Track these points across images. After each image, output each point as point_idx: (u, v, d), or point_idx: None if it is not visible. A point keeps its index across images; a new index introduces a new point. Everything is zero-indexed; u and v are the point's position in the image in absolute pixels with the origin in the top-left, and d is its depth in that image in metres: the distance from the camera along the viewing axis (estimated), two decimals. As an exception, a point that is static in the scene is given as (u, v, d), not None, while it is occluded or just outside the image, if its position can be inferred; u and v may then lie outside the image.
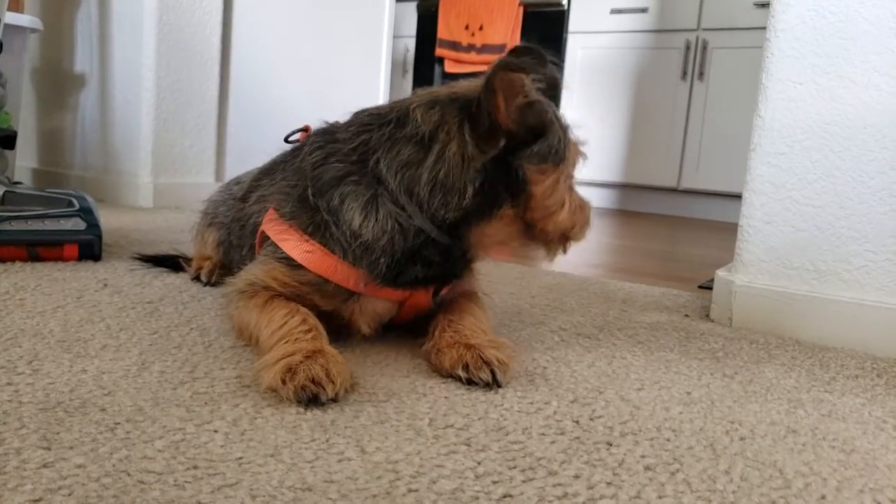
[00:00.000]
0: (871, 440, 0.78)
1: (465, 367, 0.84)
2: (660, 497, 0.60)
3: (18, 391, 0.72)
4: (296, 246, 0.89)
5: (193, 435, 0.65)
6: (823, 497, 0.63)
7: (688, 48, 3.90)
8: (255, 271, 0.92)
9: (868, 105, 1.15)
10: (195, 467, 0.59)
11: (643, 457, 0.68)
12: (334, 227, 0.88)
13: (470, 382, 0.84)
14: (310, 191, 0.90)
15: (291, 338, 0.80)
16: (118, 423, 0.66)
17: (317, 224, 0.89)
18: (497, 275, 1.60)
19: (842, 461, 0.71)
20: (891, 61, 1.14)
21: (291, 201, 0.92)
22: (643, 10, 4.04)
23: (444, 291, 0.97)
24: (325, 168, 0.90)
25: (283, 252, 0.90)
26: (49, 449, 0.60)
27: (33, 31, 2.30)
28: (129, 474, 0.57)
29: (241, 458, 0.61)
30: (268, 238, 0.93)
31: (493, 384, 0.83)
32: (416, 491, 0.58)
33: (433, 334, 0.91)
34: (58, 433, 0.63)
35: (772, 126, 1.24)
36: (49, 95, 2.72)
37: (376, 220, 0.87)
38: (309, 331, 0.82)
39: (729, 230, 3.03)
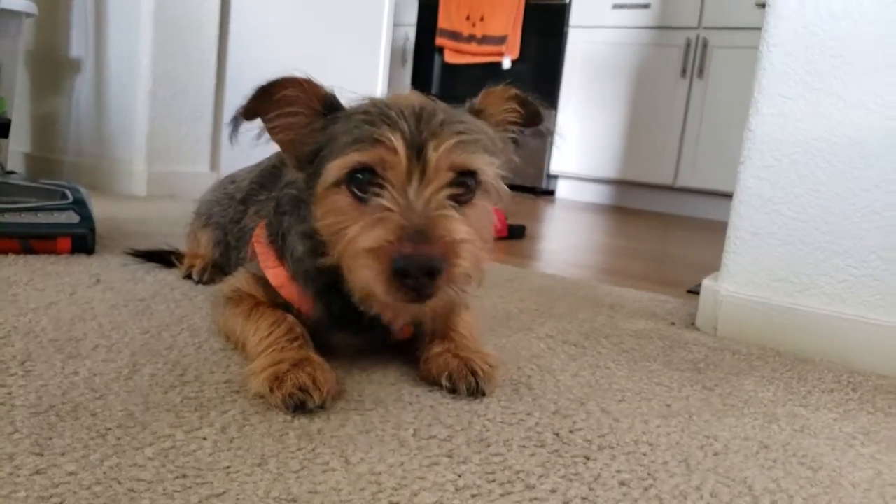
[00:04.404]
0: (839, 457, 0.80)
1: (449, 377, 0.86)
2: (632, 514, 0.63)
3: (11, 393, 0.73)
4: (270, 270, 0.91)
5: (183, 442, 0.67)
6: (789, 516, 0.65)
7: (688, 46, 3.91)
8: (241, 281, 0.95)
9: (855, 123, 1.17)
10: (184, 476, 0.61)
11: (619, 472, 0.70)
12: (285, 252, 0.89)
13: (454, 391, 0.86)
14: (272, 212, 0.92)
15: (278, 346, 0.82)
16: (109, 429, 0.68)
17: (281, 249, 0.90)
18: (488, 276, 1.61)
19: (809, 478, 0.73)
20: (879, 80, 1.15)
21: (270, 222, 0.94)
22: (645, 6, 4.03)
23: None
24: (287, 191, 0.91)
25: (263, 273, 0.92)
26: (41, 455, 0.62)
27: (28, 15, 2.29)
28: (119, 482, 0.59)
29: (228, 467, 0.63)
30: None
31: (477, 393, 0.85)
32: (396, 503, 0.60)
33: (424, 343, 0.93)
34: (50, 438, 0.65)
35: (762, 139, 1.25)
36: (43, 80, 2.70)
37: (307, 251, 0.85)
38: (295, 339, 0.84)
39: (724, 230, 3.05)
